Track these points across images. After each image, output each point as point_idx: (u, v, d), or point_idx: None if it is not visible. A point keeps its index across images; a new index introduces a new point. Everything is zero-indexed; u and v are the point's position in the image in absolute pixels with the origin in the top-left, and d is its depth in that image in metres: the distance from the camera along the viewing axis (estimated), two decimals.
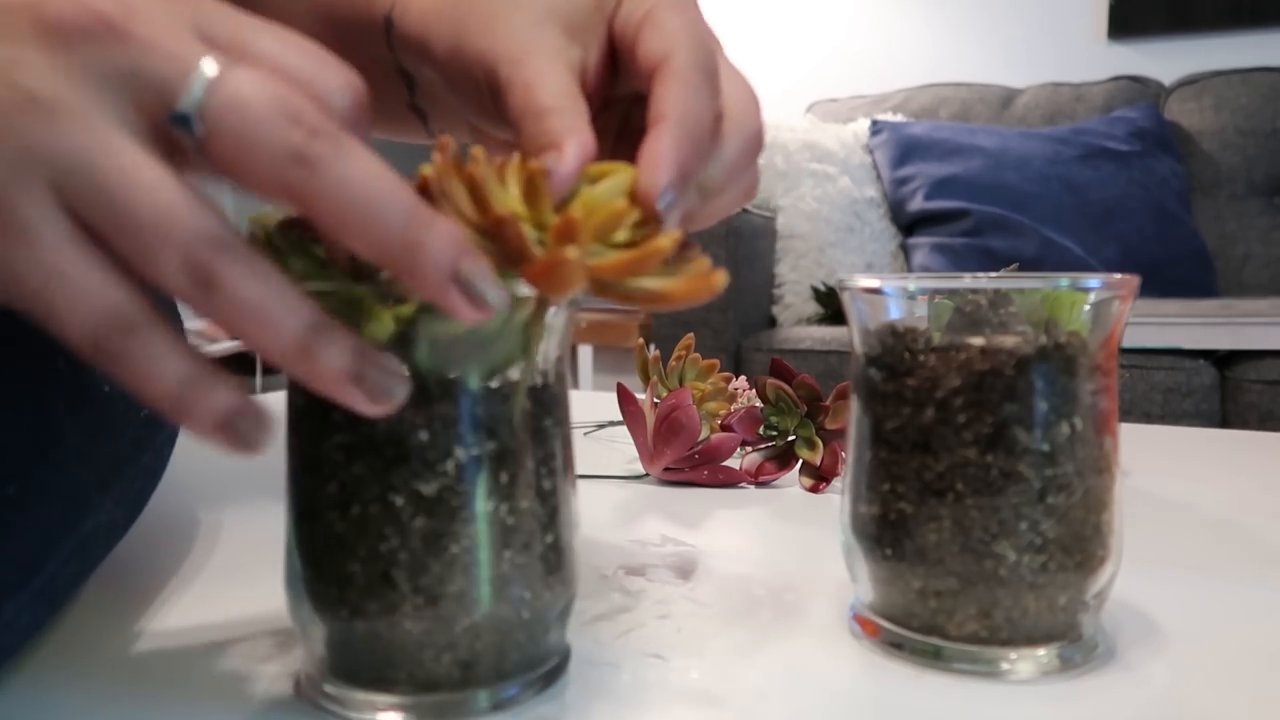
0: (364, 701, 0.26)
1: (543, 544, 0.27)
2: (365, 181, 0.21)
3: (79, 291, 0.20)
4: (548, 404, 0.28)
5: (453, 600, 0.26)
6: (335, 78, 0.23)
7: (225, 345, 2.18)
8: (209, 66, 0.21)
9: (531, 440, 0.27)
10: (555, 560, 0.28)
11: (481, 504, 0.26)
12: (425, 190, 0.23)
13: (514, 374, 0.26)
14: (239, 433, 0.21)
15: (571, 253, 0.22)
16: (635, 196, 0.26)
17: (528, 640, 0.27)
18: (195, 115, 0.21)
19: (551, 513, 0.28)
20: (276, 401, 0.28)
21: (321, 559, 0.26)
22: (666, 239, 0.23)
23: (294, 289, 0.21)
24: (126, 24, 0.21)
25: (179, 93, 0.21)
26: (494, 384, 0.26)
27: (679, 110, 0.27)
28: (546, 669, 0.29)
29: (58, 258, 0.20)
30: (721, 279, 0.24)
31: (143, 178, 0.20)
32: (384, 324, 0.24)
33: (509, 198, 0.24)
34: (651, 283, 0.24)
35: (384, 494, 0.25)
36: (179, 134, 0.21)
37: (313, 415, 0.26)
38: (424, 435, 0.25)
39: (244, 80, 0.21)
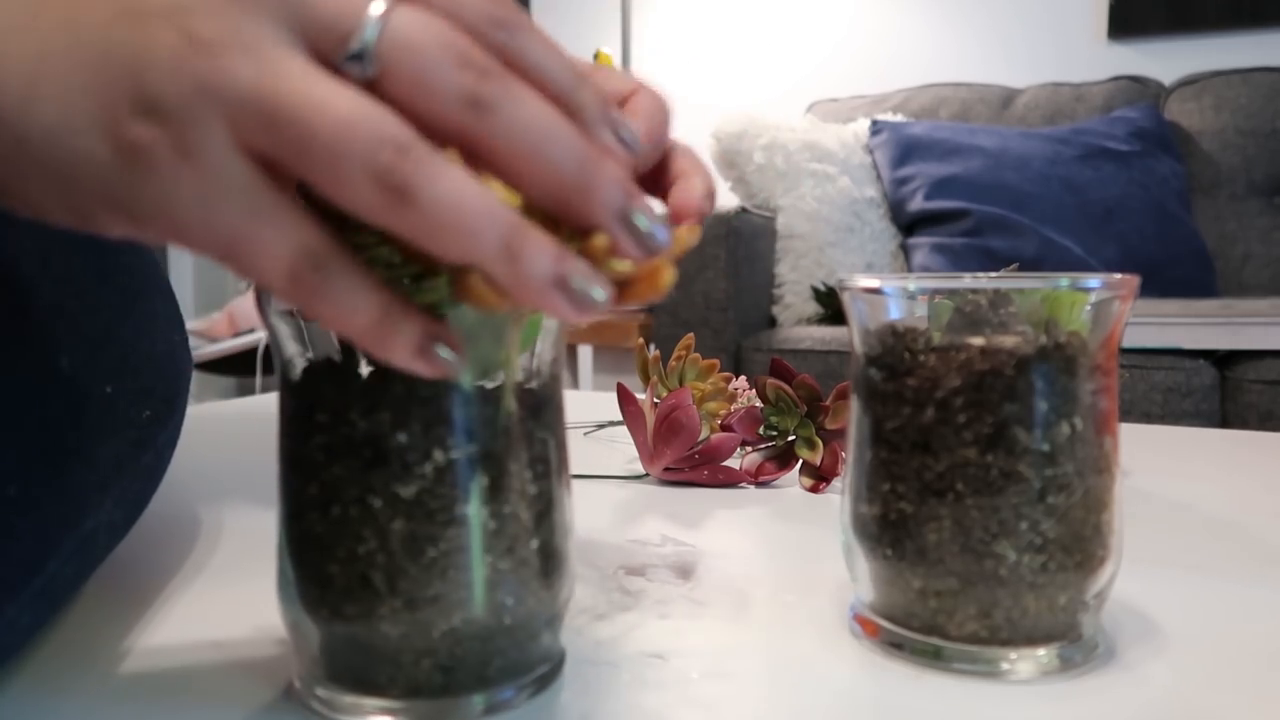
0: (352, 705, 0.26)
1: (528, 549, 0.27)
2: (538, 123, 0.21)
3: (274, 232, 0.20)
4: (536, 406, 0.27)
5: (430, 604, 0.25)
6: (492, 9, 0.23)
7: (225, 345, 2.18)
8: (376, 7, 0.21)
9: (516, 443, 0.26)
10: (542, 566, 0.27)
11: (461, 507, 0.25)
12: None
13: (495, 376, 0.26)
14: (435, 358, 0.22)
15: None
16: (676, 208, 0.27)
17: (511, 647, 0.27)
18: (369, 56, 0.21)
19: (538, 517, 0.27)
20: (273, 402, 0.28)
21: (306, 560, 0.26)
22: (602, 237, 0.23)
23: (487, 187, 0.21)
24: None
25: (351, 33, 0.21)
26: (474, 385, 0.26)
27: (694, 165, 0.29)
28: (534, 676, 0.28)
29: (252, 200, 0.20)
30: (671, 275, 0.24)
31: (316, 92, 0.20)
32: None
33: None
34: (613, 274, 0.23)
35: (362, 496, 0.25)
36: (351, 72, 0.21)
37: (299, 416, 0.26)
38: (402, 437, 0.25)
39: (411, 20, 0.21)
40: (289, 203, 0.21)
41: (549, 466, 0.28)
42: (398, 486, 0.25)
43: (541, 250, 0.21)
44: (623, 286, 0.23)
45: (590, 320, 0.22)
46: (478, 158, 0.21)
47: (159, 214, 0.20)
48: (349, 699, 0.26)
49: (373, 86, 0.21)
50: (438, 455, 0.25)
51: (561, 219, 0.22)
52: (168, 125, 0.19)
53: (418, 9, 0.21)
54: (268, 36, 0.20)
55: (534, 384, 0.27)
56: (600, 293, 0.22)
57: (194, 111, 0.19)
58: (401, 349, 0.21)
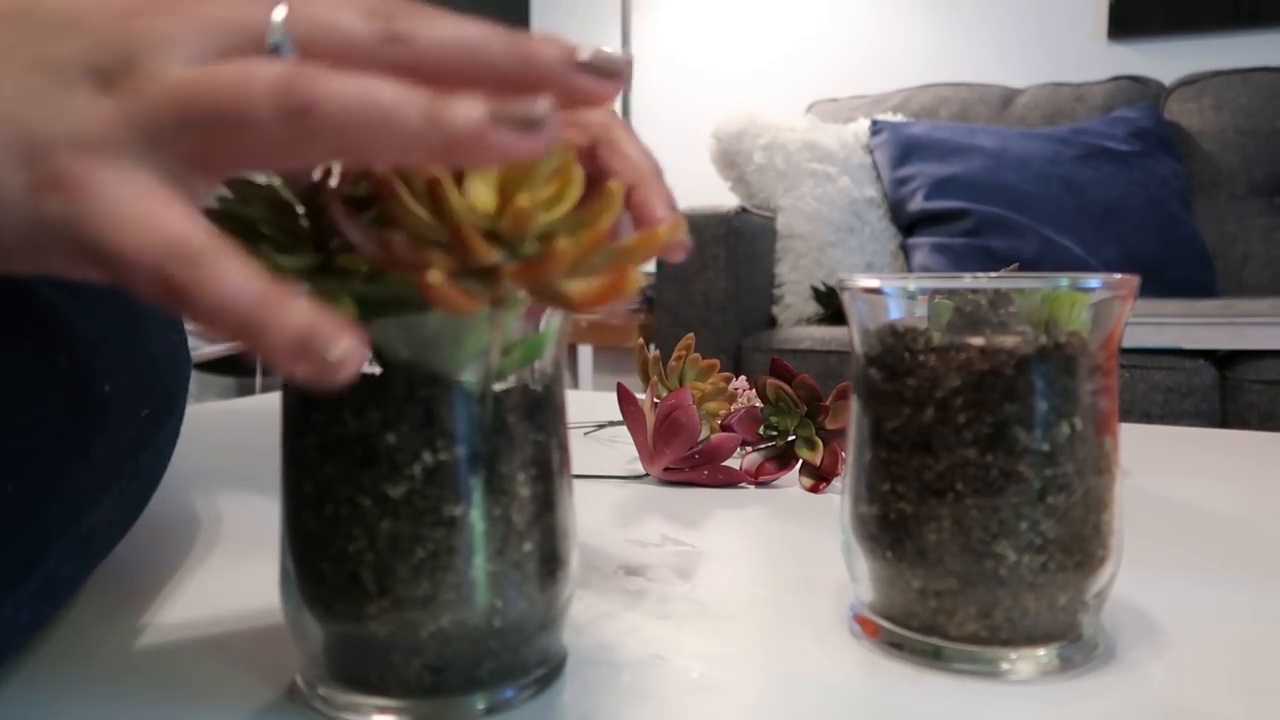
0: (352, 703, 0.26)
1: (520, 551, 0.26)
2: (459, 32, 0.22)
3: (142, 227, 0.20)
4: (531, 408, 0.27)
5: (418, 605, 0.25)
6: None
7: (225, 345, 2.18)
8: (278, 12, 0.22)
9: (509, 445, 0.26)
10: (535, 568, 0.27)
11: (449, 509, 0.25)
12: (385, 185, 0.23)
13: (482, 377, 0.26)
14: (317, 356, 0.19)
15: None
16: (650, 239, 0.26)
17: (503, 649, 0.27)
18: (284, 47, 0.21)
19: (532, 519, 0.27)
20: (273, 402, 0.28)
21: (303, 557, 0.26)
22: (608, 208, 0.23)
23: (396, 84, 0.21)
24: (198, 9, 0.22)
25: (262, 34, 0.22)
26: (464, 386, 0.25)
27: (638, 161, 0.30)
28: (534, 677, 0.28)
29: (118, 198, 0.20)
30: (637, 279, 0.24)
31: (211, 73, 0.20)
32: (345, 308, 0.23)
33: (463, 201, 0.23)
34: (575, 285, 0.23)
35: (353, 495, 0.25)
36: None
37: (298, 414, 0.26)
38: (392, 438, 0.25)
39: (314, 6, 0.22)
40: (163, 198, 0.20)
41: (546, 469, 0.27)
42: (386, 486, 0.25)
43: (467, 101, 0.21)
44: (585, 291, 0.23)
45: (528, 151, 0.21)
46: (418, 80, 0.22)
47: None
48: (349, 697, 0.26)
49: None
50: (426, 456, 0.25)
51: (514, 94, 0.22)
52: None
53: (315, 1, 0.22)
54: (166, 63, 0.21)
55: (529, 384, 0.27)
56: (544, 105, 0.21)
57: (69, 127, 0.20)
58: (275, 341, 0.19)
